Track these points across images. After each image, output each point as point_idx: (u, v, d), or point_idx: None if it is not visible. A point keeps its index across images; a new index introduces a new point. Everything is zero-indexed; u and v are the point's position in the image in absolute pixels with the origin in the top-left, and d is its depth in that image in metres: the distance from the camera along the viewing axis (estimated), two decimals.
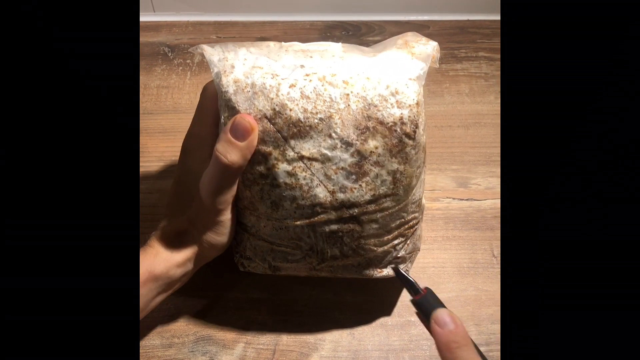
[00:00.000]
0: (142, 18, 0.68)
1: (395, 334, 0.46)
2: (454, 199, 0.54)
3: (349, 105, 0.38)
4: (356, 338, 0.46)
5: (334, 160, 0.38)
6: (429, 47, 0.41)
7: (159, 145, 0.58)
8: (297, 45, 0.41)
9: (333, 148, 0.38)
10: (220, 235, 0.41)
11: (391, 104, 0.38)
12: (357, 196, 0.39)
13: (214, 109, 0.41)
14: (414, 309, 0.39)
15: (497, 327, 0.46)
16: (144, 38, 0.67)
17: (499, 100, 0.62)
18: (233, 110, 0.38)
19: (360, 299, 0.48)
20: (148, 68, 0.64)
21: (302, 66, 0.38)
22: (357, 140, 0.38)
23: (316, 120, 0.37)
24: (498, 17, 0.69)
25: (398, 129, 0.38)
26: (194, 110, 0.42)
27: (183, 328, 0.46)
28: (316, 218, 0.40)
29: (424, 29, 0.69)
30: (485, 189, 0.55)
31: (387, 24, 0.69)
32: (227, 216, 0.41)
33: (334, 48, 0.41)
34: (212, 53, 0.40)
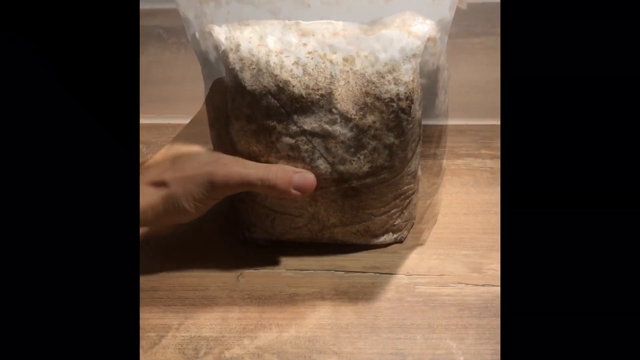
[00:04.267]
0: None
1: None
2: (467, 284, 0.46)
3: (348, 82, 0.40)
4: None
5: (334, 134, 0.40)
6: (426, 26, 0.41)
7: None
8: (300, 23, 0.42)
9: (333, 123, 0.40)
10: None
11: (388, 81, 0.39)
12: (356, 168, 0.42)
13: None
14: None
15: None
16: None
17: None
18: (239, 86, 0.40)
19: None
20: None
21: (304, 44, 0.40)
22: (355, 115, 0.40)
23: (317, 96, 0.39)
24: (496, 122, 0.68)
25: (394, 105, 0.40)
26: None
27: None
28: (317, 190, 0.42)
29: None
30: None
31: None
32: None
33: (335, 26, 0.42)
34: (220, 32, 0.41)
